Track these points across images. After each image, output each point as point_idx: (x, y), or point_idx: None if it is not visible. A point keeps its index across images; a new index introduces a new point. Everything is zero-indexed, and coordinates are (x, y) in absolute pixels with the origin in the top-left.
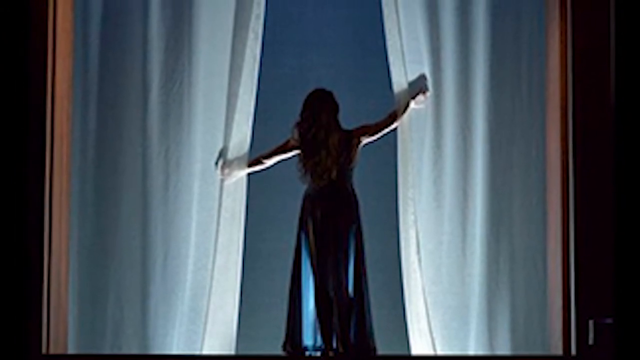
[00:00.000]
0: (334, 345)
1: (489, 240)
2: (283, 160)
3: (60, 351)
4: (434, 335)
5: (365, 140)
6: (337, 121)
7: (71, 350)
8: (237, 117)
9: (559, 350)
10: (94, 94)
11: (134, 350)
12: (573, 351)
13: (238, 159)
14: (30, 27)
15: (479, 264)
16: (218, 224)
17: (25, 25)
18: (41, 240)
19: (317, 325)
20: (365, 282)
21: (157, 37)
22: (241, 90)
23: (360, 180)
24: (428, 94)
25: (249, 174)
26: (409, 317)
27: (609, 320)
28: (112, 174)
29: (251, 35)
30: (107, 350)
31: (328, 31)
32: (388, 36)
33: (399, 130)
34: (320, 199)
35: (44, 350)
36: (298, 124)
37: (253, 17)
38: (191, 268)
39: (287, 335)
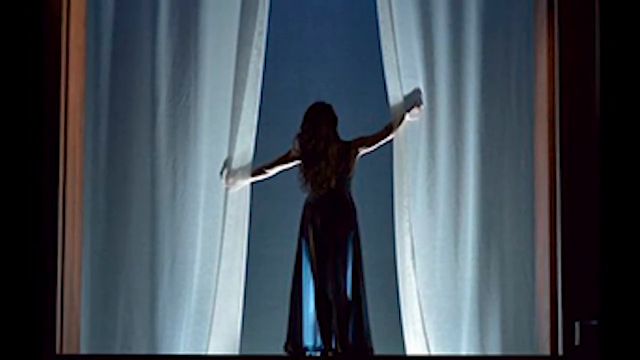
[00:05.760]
0: (333, 345)
1: (480, 246)
2: (284, 170)
3: (72, 351)
4: (428, 336)
5: (363, 151)
6: (336, 133)
7: (83, 350)
8: (241, 129)
9: (546, 351)
10: (105, 107)
11: (143, 351)
12: (560, 351)
13: (242, 168)
14: (45, 43)
15: (471, 269)
16: (223, 230)
17: (39, 42)
18: (55, 246)
19: (317, 326)
20: (363, 285)
21: (165, 53)
22: (245, 104)
23: (358, 189)
24: (422, 107)
25: (252, 183)
26: (404, 319)
27: (594, 322)
28: (122, 184)
29: (254, 51)
30: (117, 351)
31: (327, 47)
32: (384, 52)
33: (394, 141)
34: (320, 207)
35: (57, 351)
36: (299, 136)
37: (256, 34)
38: (197, 272)
39: (288, 336)
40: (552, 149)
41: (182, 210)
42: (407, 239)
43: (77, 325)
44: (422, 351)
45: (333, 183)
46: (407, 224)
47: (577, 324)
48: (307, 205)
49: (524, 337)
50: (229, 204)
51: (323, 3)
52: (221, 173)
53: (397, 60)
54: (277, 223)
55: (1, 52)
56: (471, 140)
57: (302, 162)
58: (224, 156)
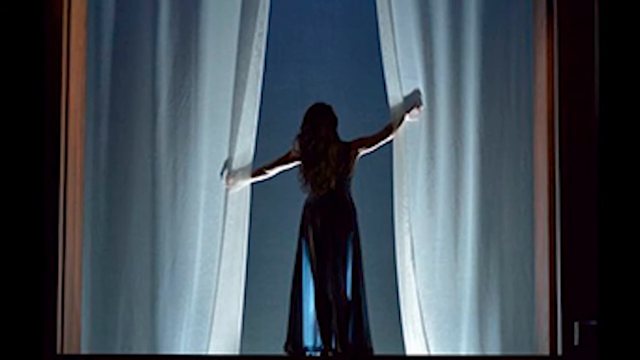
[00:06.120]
0: (333, 345)
1: (479, 246)
2: (285, 170)
3: (73, 351)
4: (428, 336)
5: (363, 151)
6: (335, 134)
7: (84, 350)
8: (241, 129)
9: (545, 351)
10: (106, 108)
11: (144, 351)
12: (559, 351)
13: (242, 169)
14: (46, 44)
15: (470, 269)
16: (223, 230)
17: (40, 43)
18: (56, 246)
19: (317, 326)
20: (363, 285)
21: (166, 54)
22: (245, 105)
23: (358, 190)
24: (422, 107)
25: (252, 184)
26: (404, 319)
27: (593, 322)
28: (123, 184)
29: (254, 52)
30: (118, 351)
31: (327, 49)
32: (384, 53)
33: (394, 142)
34: (320, 207)
35: (58, 351)
36: (299, 136)
37: (256, 35)
38: (198, 273)
39: (288, 336)
40: (551, 150)
41: (183, 211)
42: (407, 239)
43: (78, 325)
44: (421, 351)
45: (333, 184)
46: (406, 225)
47: (576, 324)
48: (307, 206)
49: (523, 337)
50: (229, 204)
51: (323, 5)
52: (221, 174)
53: (396, 62)
54: (277, 223)
55: (2, 53)
56: (471, 141)
57: (302, 162)
58: (225, 157)
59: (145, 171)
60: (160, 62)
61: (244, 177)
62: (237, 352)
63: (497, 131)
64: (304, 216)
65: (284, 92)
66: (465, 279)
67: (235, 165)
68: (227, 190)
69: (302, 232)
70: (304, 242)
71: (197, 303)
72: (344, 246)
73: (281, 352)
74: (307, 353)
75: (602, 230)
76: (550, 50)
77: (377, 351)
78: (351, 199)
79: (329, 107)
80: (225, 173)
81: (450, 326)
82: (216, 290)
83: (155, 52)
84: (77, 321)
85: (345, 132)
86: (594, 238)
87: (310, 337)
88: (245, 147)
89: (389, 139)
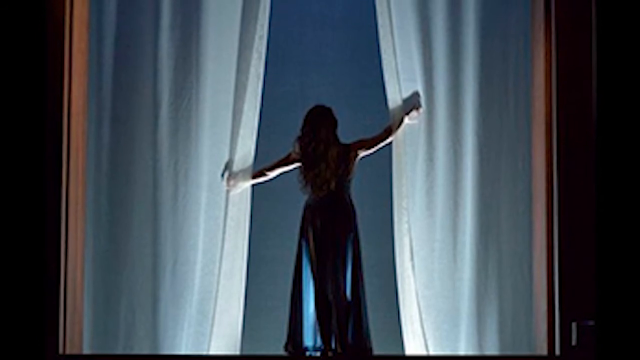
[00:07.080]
0: (333, 346)
1: (478, 247)
2: (285, 172)
3: (75, 351)
4: (427, 336)
5: (362, 153)
6: (335, 135)
7: (86, 350)
8: (242, 131)
9: (544, 351)
10: (108, 110)
11: (145, 351)
12: (557, 351)
13: (243, 171)
14: (48, 47)
15: (469, 270)
16: (224, 232)
17: (42, 46)
18: (58, 247)
19: (317, 327)
20: (362, 286)
21: (167, 57)
22: (246, 107)
23: (358, 191)
24: (421, 110)
25: (253, 185)
26: (403, 320)
27: (591, 323)
28: (125, 186)
29: (255, 55)
30: (119, 351)
31: (327, 51)
32: (383, 56)
33: (393, 144)
34: (320, 208)
35: (60, 351)
36: (299, 138)
37: (257, 38)
38: (199, 274)
39: (288, 336)
40: (549, 152)
41: (184, 212)
42: (406, 240)
43: (80, 325)
44: (420, 351)
45: (333, 185)
46: (406, 226)
47: (574, 324)
48: (307, 207)
49: (521, 337)
50: (230, 205)
51: (323, 8)
52: (222, 175)
53: (396, 64)
54: (278, 225)
55: (4, 55)
56: (469, 143)
57: (302, 164)
58: (225, 159)
59: (147, 173)
60: (162, 64)
61: (244, 179)
62: (237, 353)
63: (495, 133)
64: (304, 217)
65: (284, 94)
66: (464, 280)
67: (236, 167)
68: (227, 191)
69: (302, 233)
70: (304, 243)
71: (198, 304)
72: (343, 247)
73: (281, 352)
74: (307, 353)
75: (600, 232)
76: (548, 53)
77: (377, 351)
78: (351, 200)
79: (329, 109)
80: (226, 175)
81: (449, 326)
82: (217, 291)
83: (157, 54)
84: (79, 321)
85: (345, 134)
86: (591, 239)
87: (310, 337)
88: (246, 149)
89: (388, 141)
